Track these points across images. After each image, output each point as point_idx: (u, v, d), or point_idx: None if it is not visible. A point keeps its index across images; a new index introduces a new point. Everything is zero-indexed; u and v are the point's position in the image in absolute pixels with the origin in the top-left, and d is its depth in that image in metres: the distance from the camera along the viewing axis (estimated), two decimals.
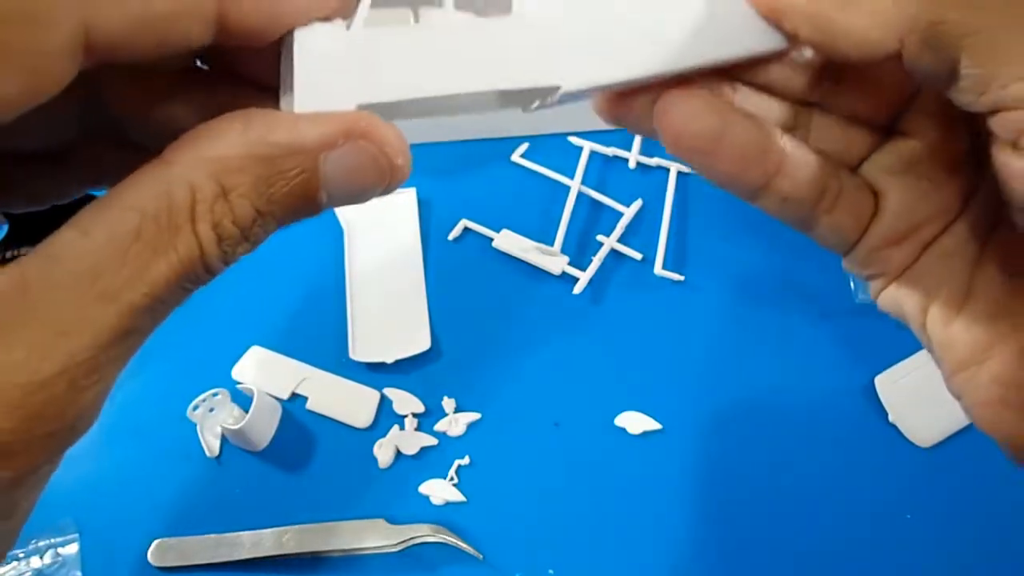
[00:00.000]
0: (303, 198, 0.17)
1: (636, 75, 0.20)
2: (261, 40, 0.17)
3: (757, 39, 0.20)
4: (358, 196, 0.17)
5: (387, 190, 0.18)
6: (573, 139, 0.58)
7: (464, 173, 0.57)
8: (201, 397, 0.44)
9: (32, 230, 0.53)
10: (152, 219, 0.15)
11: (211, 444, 0.46)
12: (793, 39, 0.20)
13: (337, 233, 0.54)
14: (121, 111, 0.20)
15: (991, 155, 0.18)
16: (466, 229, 0.54)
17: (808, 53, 0.20)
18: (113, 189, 0.16)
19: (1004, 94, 0.17)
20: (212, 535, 0.43)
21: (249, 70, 0.20)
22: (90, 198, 0.16)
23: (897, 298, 0.22)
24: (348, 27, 0.18)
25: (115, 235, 0.15)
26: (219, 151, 0.16)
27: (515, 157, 0.57)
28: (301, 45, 0.17)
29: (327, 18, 0.18)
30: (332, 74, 0.18)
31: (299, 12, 0.17)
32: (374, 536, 0.42)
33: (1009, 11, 0.17)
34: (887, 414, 0.46)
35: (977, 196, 0.21)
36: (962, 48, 0.17)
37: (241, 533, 0.43)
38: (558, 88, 0.19)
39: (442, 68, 0.18)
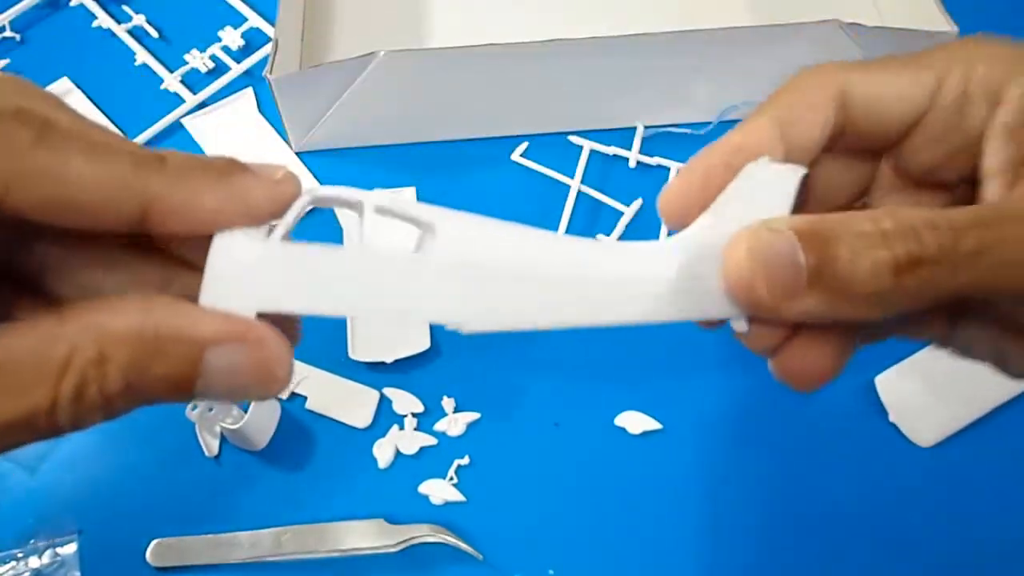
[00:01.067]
0: (177, 385, 0.17)
1: (552, 325, 0.21)
2: (185, 236, 0.18)
3: (715, 309, 0.22)
4: (231, 395, 0.18)
5: (262, 397, 0.19)
6: (573, 138, 0.58)
7: (464, 172, 0.57)
8: None
9: None
10: (17, 362, 0.15)
11: (210, 444, 0.46)
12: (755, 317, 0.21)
13: (337, 233, 0.53)
14: (44, 264, 0.20)
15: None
16: None
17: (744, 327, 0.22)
18: (9, 325, 0.16)
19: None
20: (211, 535, 0.43)
21: (186, 251, 0.21)
22: None
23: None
24: (268, 235, 0.19)
25: None
26: (111, 322, 0.16)
27: (515, 156, 0.57)
28: (218, 246, 0.18)
29: (256, 222, 0.19)
30: (238, 279, 0.18)
31: (222, 220, 0.18)
32: (373, 536, 0.42)
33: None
34: (887, 414, 0.46)
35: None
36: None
37: (240, 533, 0.43)
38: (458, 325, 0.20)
39: (344, 291, 0.19)
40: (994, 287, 0.19)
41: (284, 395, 0.47)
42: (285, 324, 0.20)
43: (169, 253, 0.21)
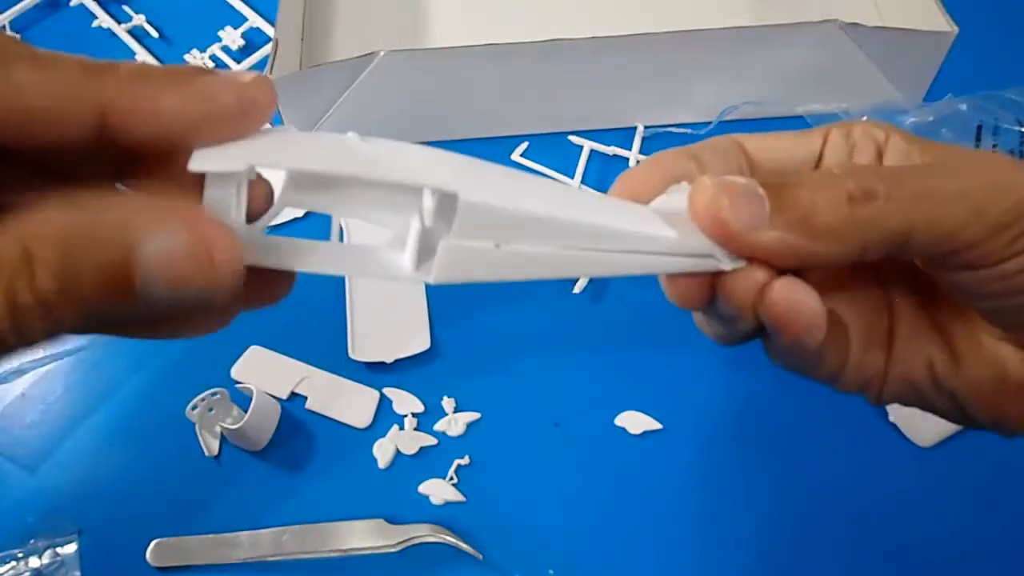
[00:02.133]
0: (115, 281, 0.15)
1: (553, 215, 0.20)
2: (151, 144, 0.18)
3: (695, 249, 0.21)
4: (176, 290, 0.16)
5: (205, 291, 0.16)
6: (573, 138, 0.58)
7: None
8: (200, 397, 0.44)
9: None
10: None
11: (210, 444, 0.46)
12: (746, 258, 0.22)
13: (337, 233, 0.53)
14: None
15: (957, 280, 0.22)
16: None
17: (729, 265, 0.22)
18: None
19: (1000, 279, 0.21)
20: (211, 535, 0.43)
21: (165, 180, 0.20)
22: None
23: (900, 385, 0.24)
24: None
25: None
26: (34, 222, 0.15)
27: (515, 156, 0.57)
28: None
29: (225, 129, 0.18)
30: (228, 146, 0.18)
31: (187, 124, 0.17)
32: (374, 536, 0.42)
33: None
34: (887, 414, 0.46)
35: (894, 280, 0.25)
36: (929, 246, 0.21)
37: (240, 533, 0.43)
38: (455, 195, 0.19)
39: (335, 155, 0.19)
40: (930, 226, 0.20)
41: (284, 395, 0.47)
42: (277, 274, 0.20)
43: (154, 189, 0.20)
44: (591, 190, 0.21)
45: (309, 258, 0.20)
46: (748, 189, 0.21)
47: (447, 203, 0.19)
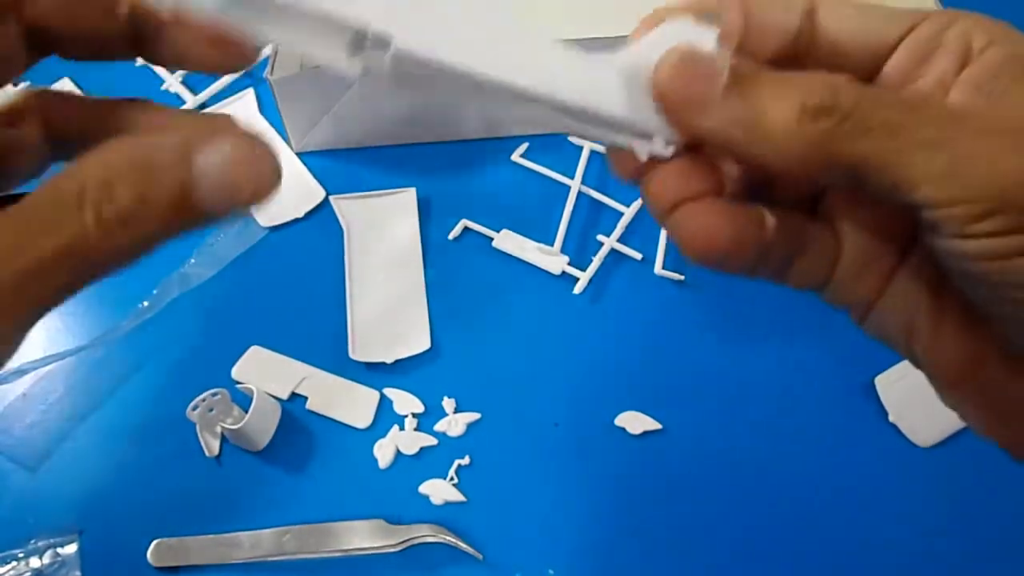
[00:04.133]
0: (178, 198, 0.18)
1: (488, 75, 0.20)
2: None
3: (639, 118, 0.20)
4: (233, 198, 0.18)
5: (262, 195, 0.19)
6: (573, 139, 0.58)
7: (464, 173, 0.57)
8: (201, 397, 0.44)
9: None
10: (43, 205, 0.17)
11: (211, 444, 0.46)
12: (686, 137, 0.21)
13: (337, 233, 0.54)
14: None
15: (929, 239, 0.19)
16: (466, 229, 0.54)
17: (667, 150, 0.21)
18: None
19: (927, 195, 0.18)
20: (212, 535, 0.43)
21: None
22: None
23: (879, 324, 0.23)
24: None
25: (16, 217, 0.17)
26: (111, 151, 0.18)
27: (515, 157, 0.57)
28: None
29: None
30: None
31: None
32: (374, 536, 0.42)
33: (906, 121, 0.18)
34: (887, 414, 0.46)
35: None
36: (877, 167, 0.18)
37: (241, 533, 0.43)
38: (389, 40, 0.19)
39: None
40: (884, 166, 0.18)
41: (284, 395, 0.47)
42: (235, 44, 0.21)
43: None
44: (557, 41, 0.21)
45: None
46: (708, 65, 0.19)
47: (381, 41, 0.19)
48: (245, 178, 0.18)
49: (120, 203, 0.18)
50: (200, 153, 0.18)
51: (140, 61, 0.22)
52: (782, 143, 0.19)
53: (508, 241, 0.53)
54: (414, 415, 0.47)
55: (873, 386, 0.47)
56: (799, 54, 0.21)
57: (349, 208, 0.55)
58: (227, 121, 0.20)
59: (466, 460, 0.45)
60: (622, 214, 0.54)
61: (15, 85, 0.22)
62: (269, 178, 0.19)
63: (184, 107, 0.58)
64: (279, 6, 0.18)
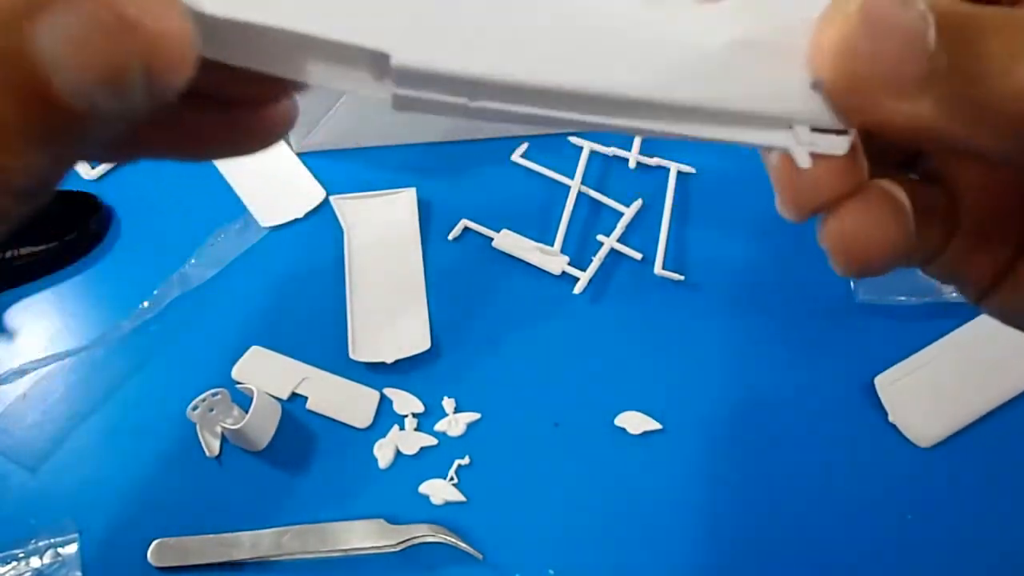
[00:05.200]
0: (25, 86, 0.12)
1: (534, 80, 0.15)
2: None
3: (772, 98, 0.15)
4: (103, 80, 0.12)
5: (151, 73, 0.12)
6: (573, 139, 0.58)
7: (464, 173, 0.57)
8: (201, 397, 0.44)
9: (29, 229, 0.53)
10: None
11: (211, 444, 0.46)
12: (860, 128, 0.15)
13: (337, 233, 0.54)
14: None
15: None
16: (466, 229, 0.54)
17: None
18: None
19: None
20: (212, 535, 0.43)
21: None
22: None
23: (1007, 302, 0.18)
24: None
25: None
26: None
27: (515, 157, 0.57)
28: None
29: None
30: None
31: None
32: (374, 536, 0.42)
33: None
34: (887, 414, 0.46)
35: None
36: None
37: (241, 533, 0.43)
38: (386, 57, 0.14)
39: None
40: None
41: (284, 395, 0.47)
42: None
43: None
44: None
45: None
46: (915, 32, 0.13)
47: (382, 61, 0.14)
48: (103, 43, 0.11)
49: None
50: (38, 21, 0.11)
51: None
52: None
53: (508, 241, 0.53)
54: (414, 415, 0.47)
55: (873, 386, 0.47)
56: None
57: (349, 208, 0.55)
58: None
59: (466, 460, 0.45)
60: (622, 214, 0.54)
61: None
62: (141, 32, 0.12)
63: None
64: (280, 38, 0.14)
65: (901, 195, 0.16)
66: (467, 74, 0.14)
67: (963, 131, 0.13)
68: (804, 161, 0.15)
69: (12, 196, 0.13)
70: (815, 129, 0.15)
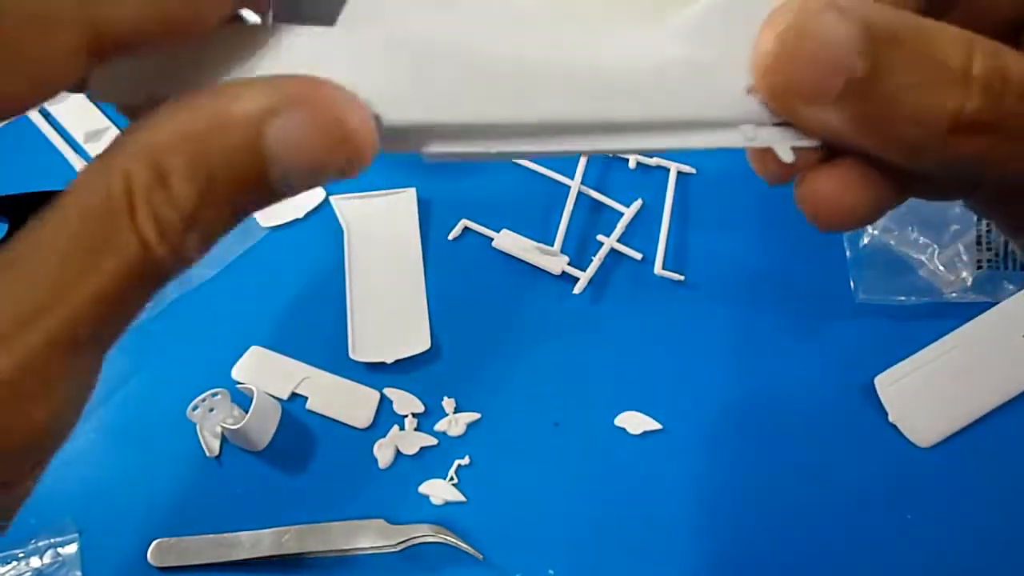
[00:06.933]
0: (249, 177, 0.14)
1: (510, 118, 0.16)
2: None
3: (723, 102, 0.16)
4: (316, 172, 0.15)
5: (348, 166, 0.15)
6: None
7: (464, 173, 0.57)
8: (201, 397, 0.44)
9: None
10: (88, 218, 0.14)
11: (211, 444, 0.46)
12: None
13: (337, 233, 0.54)
14: None
15: None
16: (466, 229, 0.54)
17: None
18: (66, 187, 0.14)
19: None
20: (212, 535, 0.43)
21: None
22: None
23: None
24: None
25: (54, 238, 0.14)
26: (153, 134, 0.14)
27: None
28: None
29: None
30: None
31: None
32: (374, 536, 0.42)
33: None
34: (887, 414, 0.46)
35: None
36: None
37: (241, 533, 0.43)
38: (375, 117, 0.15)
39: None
40: None
41: (284, 395, 0.47)
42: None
43: None
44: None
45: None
46: (834, 44, 0.14)
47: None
48: (326, 147, 0.14)
49: (183, 204, 0.14)
50: (269, 121, 0.14)
51: None
52: (928, 156, 0.15)
53: (508, 241, 0.53)
54: (414, 415, 0.47)
55: (873, 386, 0.47)
56: None
57: (349, 208, 0.55)
58: (306, 79, 0.15)
59: (466, 460, 0.45)
60: (622, 214, 0.54)
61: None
62: (353, 132, 0.14)
63: None
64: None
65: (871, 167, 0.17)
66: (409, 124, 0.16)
67: (870, 143, 0.15)
68: (787, 156, 0.16)
69: (198, 249, 0.15)
70: (778, 124, 0.16)
